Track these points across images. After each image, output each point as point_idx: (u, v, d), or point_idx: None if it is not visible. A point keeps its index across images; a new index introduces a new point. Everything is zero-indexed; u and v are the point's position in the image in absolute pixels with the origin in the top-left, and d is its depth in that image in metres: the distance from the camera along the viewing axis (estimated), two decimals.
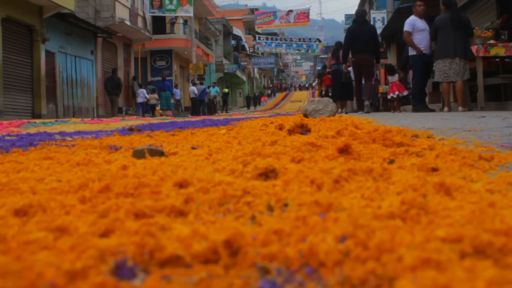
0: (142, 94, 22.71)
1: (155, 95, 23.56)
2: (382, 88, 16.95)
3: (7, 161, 1.79)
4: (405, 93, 12.58)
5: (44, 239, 0.70)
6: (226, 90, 38.64)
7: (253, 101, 49.15)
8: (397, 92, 12.53)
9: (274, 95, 67.15)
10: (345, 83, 12.58)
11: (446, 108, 8.91)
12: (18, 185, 1.17)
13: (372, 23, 29.27)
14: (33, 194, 1.09)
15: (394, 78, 12.90)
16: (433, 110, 9.40)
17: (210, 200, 0.98)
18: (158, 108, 23.82)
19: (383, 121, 4.83)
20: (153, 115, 22.20)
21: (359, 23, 10.29)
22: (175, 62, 31.53)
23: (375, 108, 15.15)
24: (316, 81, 25.29)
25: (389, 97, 13.20)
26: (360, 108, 10.48)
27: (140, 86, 23.22)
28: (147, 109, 23.16)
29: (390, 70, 13.23)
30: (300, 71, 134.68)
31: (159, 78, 27.68)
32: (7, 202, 0.95)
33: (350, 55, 10.52)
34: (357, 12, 10.77)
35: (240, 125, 4.81)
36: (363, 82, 10.76)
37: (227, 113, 27.50)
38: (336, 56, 12.97)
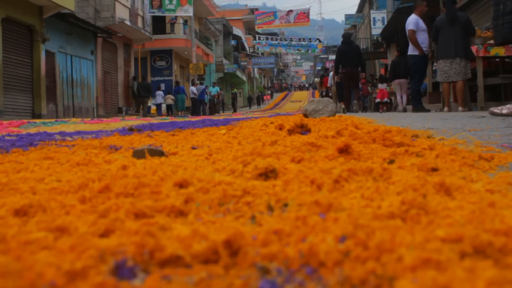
0: (160, 96, 25.48)
1: (171, 96, 26.09)
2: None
3: (7, 161, 1.79)
4: (386, 100, 16.14)
5: (44, 239, 0.70)
6: (234, 90, 39.63)
7: (256, 100, 51.67)
8: (378, 99, 16.12)
9: (272, 96, 67.48)
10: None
11: (446, 108, 8.90)
12: (18, 185, 1.17)
13: (372, 23, 29.36)
14: (33, 194, 1.09)
15: (383, 86, 16.00)
16: (428, 110, 9.46)
17: (210, 200, 0.98)
18: (154, 108, 25.99)
19: (383, 121, 4.83)
20: (172, 113, 24.90)
21: (346, 43, 12.87)
22: (175, 62, 31.53)
23: (364, 108, 18.50)
24: (317, 80, 26.43)
25: (377, 101, 16.90)
26: (348, 109, 12.68)
27: (158, 89, 25.97)
28: (149, 109, 24.35)
29: (381, 79, 16.69)
30: (300, 71, 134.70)
31: (160, 78, 28.04)
32: (7, 202, 0.95)
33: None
34: (344, 35, 13.61)
35: (240, 125, 4.81)
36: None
37: (235, 113, 28.26)
38: None
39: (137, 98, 24.04)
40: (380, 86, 16.62)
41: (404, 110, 12.25)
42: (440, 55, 8.72)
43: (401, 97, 13.14)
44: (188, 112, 26.97)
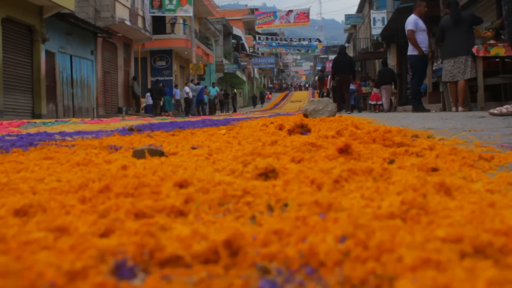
0: (150, 98, 26.57)
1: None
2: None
3: (7, 161, 1.79)
4: (379, 102, 18.54)
5: (44, 239, 0.70)
6: (234, 90, 39.95)
7: (260, 99, 54.42)
8: (374, 102, 18.61)
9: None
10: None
11: (454, 108, 8.81)
12: (18, 185, 1.17)
13: (372, 23, 29.38)
14: (33, 194, 1.09)
15: (376, 90, 18.29)
16: (428, 110, 9.44)
17: (210, 200, 0.98)
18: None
19: (383, 121, 4.83)
20: (160, 114, 26.19)
21: (341, 54, 15.23)
22: (175, 62, 31.52)
23: (358, 109, 21.13)
24: (317, 79, 27.22)
25: (371, 103, 19.45)
26: (339, 109, 14.64)
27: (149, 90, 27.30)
28: (150, 109, 24.90)
29: (376, 84, 18.71)
30: (300, 71, 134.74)
31: (160, 78, 28.21)
32: (7, 202, 0.95)
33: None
34: (340, 47, 16.21)
35: (240, 125, 4.81)
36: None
37: (234, 113, 28.49)
38: None
39: (137, 99, 25.26)
40: (374, 90, 18.96)
41: (387, 111, 15.41)
42: (445, 55, 8.72)
43: (385, 100, 16.54)
44: (178, 113, 27.28)
